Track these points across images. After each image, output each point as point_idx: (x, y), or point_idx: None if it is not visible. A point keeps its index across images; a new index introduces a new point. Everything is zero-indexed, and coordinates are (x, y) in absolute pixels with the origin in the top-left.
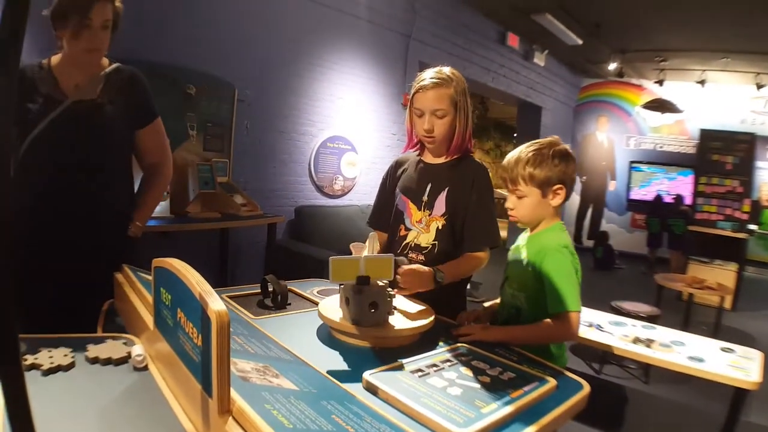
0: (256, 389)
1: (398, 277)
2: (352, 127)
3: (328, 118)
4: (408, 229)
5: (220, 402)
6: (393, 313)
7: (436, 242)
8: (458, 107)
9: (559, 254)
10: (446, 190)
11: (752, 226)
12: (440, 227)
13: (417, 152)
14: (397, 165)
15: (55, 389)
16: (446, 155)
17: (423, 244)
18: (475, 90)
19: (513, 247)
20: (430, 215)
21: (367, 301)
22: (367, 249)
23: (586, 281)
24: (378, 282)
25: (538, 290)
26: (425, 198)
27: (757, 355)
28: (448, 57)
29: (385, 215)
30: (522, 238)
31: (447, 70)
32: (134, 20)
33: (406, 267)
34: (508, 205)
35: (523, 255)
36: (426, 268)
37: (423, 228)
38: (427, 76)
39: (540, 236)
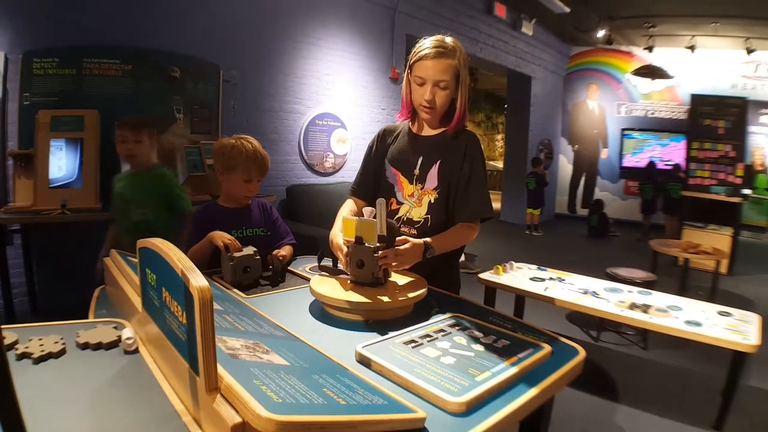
0: (245, 366)
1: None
2: (341, 104)
3: (316, 96)
4: (400, 203)
5: (208, 379)
6: (382, 273)
7: (429, 216)
8: (460, 79)
9: None
10: (438, 162)
11: (746, 191)
12: (432, 201)
13: (408, 122)
14: (386, 133)
15: (47, 376)
16: (442, 128)
17: (415, 218)
18: None
19: None
20: (422, 189)
21: (354, 259)
22: (377, 214)
23: (581, 249)
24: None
25: None
26: (417, 171)
27: (755, 318)
28: (434, 28)
29: (369, 185)
30: None
31: (449, 40)
32: (116, 6)
33: (399, 246)
34: None
35: None
36: (419, 241)
37: (415, 202)
38: (430, 45)
39: None
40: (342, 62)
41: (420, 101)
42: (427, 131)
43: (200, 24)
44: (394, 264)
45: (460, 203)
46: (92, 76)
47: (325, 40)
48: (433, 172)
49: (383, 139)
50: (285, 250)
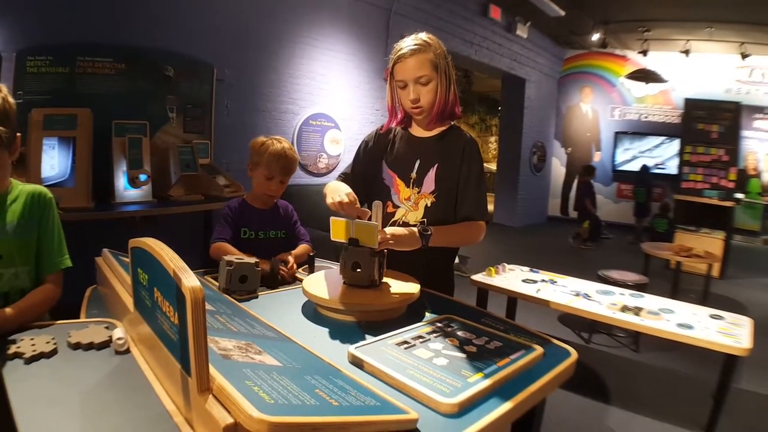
0: (237, 366)
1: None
2: (335, 104)
3: (310, 96)
4: (396, 207)
5: (199, 380)
6: (378, 275)
7: (425, 220)
8: (440, 70)
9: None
10: (436, 166)
11: (739, 195)
12: (429, 205)
13: (403, 126)
14: (382, 135)
15: (38, 376)
16: (433, 125)
17: (411, 222)
18: (458, 63)
19: None
20: (419, 193)
21: (349, 261)
22: (373, 216)
23: (574, 252)
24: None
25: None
26: (414, 175)
27: (746, 322)
28: (430, 30)
29: (357, 179)
30: None
31: (423, 35)
32: (110, 5)
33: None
34: None
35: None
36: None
37: (412, 206)
38: (405, 44)
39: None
40: (336, 62)
41: (408, 104)
42: (424, 132)
43: (195, 23)
44: (391, 242)
45: (459, 205)
46: (86, 75)
47: (320, 40)
48: (431, 175)
49: (380, 139)
50: (297, 250)
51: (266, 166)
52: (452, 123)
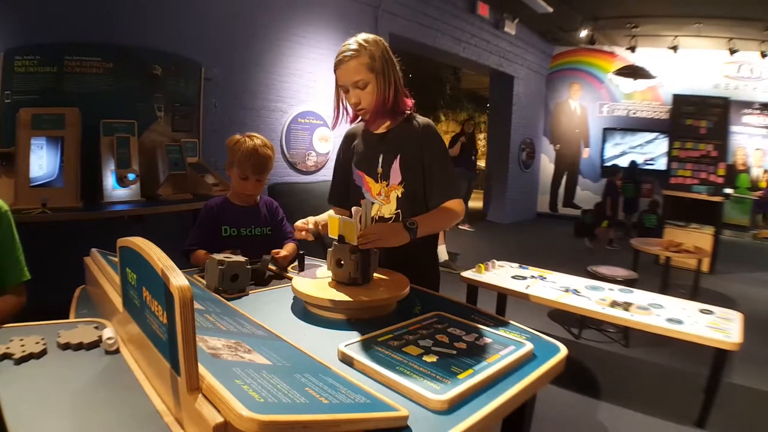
0: (226, 365)
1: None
2: (324, 102)
3: (298, 94)
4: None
5: (189, 379)
6: (359, 274)
7: (399, 211)
8: (376, 72)
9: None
10: (399, 157)
11: (728, 190)
12: (400, 195)
13: (363, 124)
14: (348, 138)
15: (28, 377)
16: (385, 120)
17: (386, 216)
18: (447, 60)
19: None
20: (387, 185)
21: (334, 258)
22: (362, 214)
23: (564, 247)
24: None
25: None
26: (380, 169)
27: (736, 316)
28: (418, 28)
29: (344, 191)
30: None
31: (362, 37)
32: (98, 4)
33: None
34: None
35: None
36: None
37: (383, 200)
38: (343, 49)
39: None
40: (324, 60)
41: (352, 107)
42: (381, 128)
43: (182, 21)
44: (375, 240)
45: (429, 191)
46: (73, 74)
47: (308, 38)
48: (395, 166)
49: (347, 144)
50: (286, 249)
51: (239, 165)
52: (408, 113)
